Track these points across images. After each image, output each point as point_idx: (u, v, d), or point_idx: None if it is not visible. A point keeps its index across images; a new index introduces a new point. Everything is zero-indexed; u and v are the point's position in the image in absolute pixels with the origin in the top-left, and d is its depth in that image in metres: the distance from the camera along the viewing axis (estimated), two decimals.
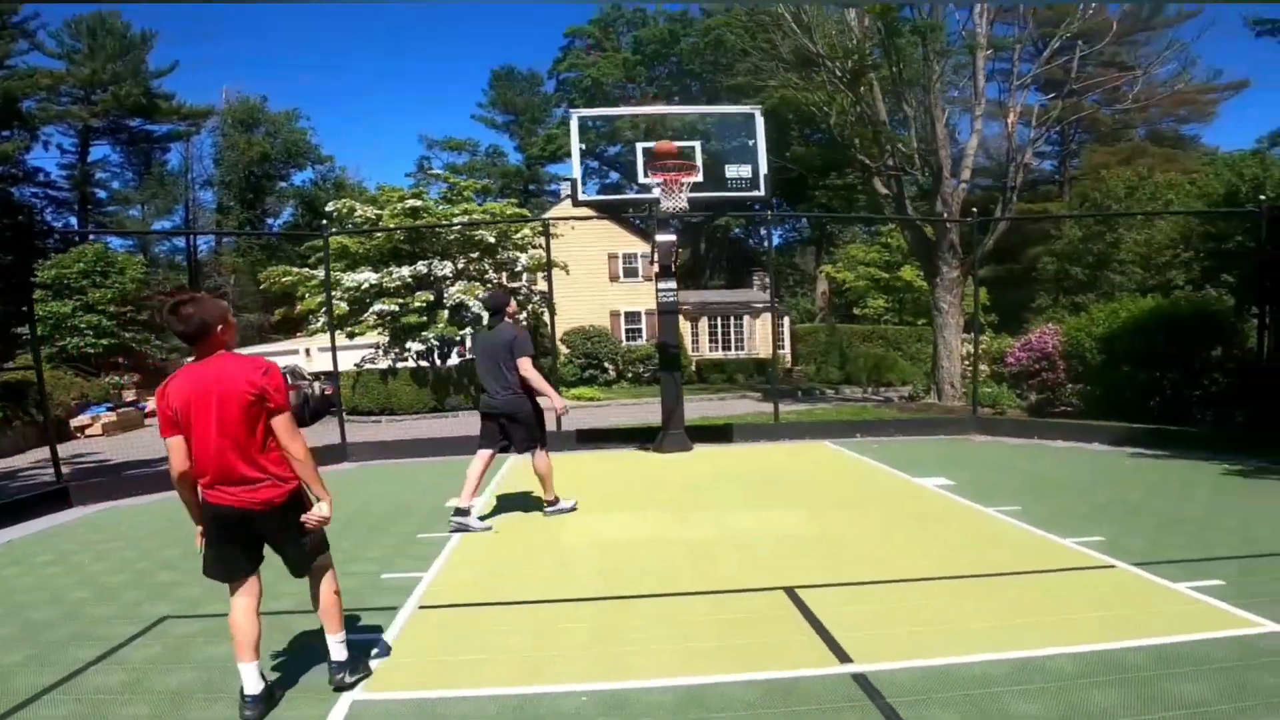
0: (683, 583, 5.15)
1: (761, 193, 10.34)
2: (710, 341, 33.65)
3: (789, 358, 32.92)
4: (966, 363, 19.94)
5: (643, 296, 32.24)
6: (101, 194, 49.10)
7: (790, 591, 4.84)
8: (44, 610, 5.13)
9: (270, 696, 3.50)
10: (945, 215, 18.08)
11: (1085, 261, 29.62)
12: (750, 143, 10.29)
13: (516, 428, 6.76)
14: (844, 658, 3.87)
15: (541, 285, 25.87)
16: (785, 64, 21.02)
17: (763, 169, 10.23)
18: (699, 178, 10.02)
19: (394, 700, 3.60)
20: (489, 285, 23.03)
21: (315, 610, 3.71)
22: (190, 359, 3.42)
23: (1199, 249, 20.61)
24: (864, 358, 29.47)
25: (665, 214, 9.98)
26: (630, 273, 32.39)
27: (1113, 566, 5.17)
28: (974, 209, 15.40)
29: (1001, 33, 19.54)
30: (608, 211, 11.77)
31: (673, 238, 10.45)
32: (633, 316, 32.45)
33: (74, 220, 45.88)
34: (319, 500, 3.50)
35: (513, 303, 7.00)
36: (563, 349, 30.03)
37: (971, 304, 15.79)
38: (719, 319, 33.87)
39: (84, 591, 5.53)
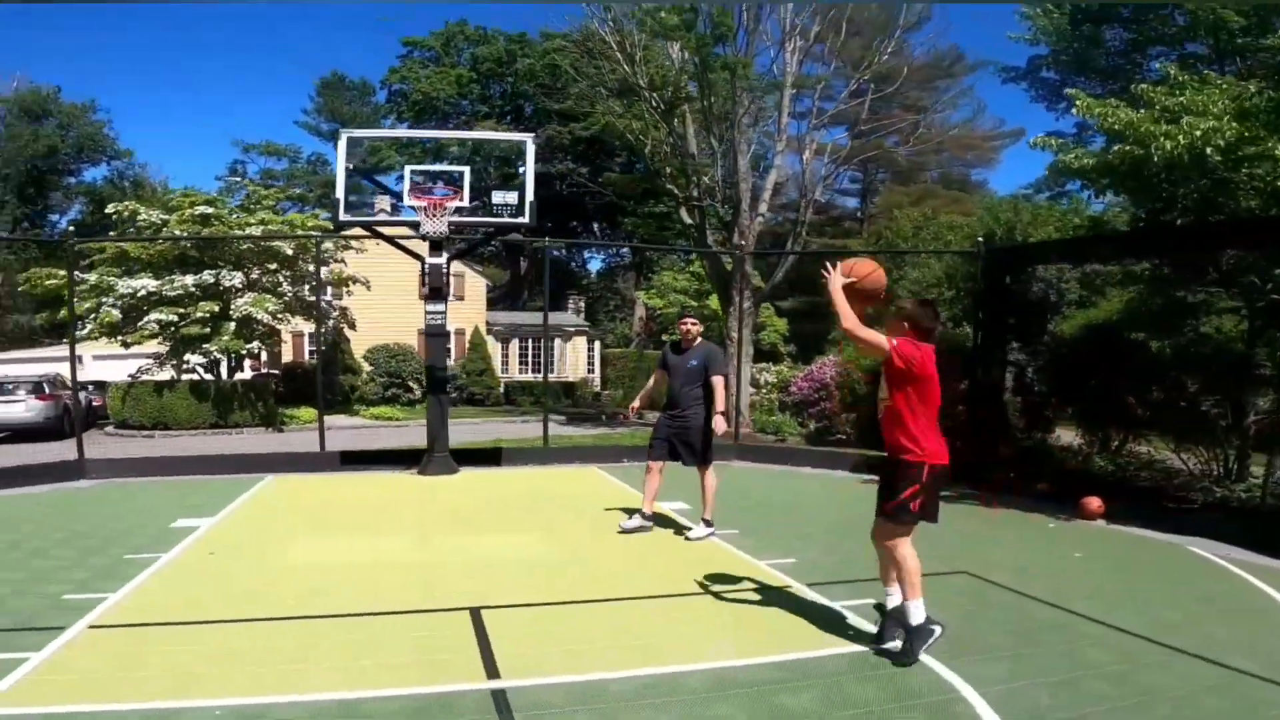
0: (381, 603, 5.17)
1: (526, 220, 10.49)
2: (520, 363, 33.67)
3: (598, 381, 33.40)
4: (756, 392, 21.02)
5: (453, 316, 31.78)
6: None
7: (474, 612, 4.97)
8: None
9: None
10: (741, 246, 18.87)
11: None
12: (520, 170, 10.46)
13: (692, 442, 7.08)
14: (493, 674, 4.02)
15: (344, 301, 25.16)
16: (610, 91, 21.52)
17: (529, 197, 10.38)
18: (463, 202, 10.10)
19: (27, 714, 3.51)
20: (283, 298, 22.13)
21: None
22: None
23: (960, 287, 22.53)
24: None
25: (430, 236, 10.00)
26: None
27: (788, 586, 5.62)
28: (767, 242, 16.24)
29: (810, 72, 20.82)
30: (370, 232, 11.60)
31: (442, 260, 10.48)
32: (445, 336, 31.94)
33: None
34: None
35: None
36: (365, 366, 29.18)
37: (766, 335, 16.67)
38: (530, 340, 33.94)
39: None
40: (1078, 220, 18.64)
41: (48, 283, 21.38)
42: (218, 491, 9.33)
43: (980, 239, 13.31)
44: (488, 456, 11.66)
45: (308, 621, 4.84)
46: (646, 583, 5.74)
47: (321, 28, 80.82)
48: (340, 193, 10.14)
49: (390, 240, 11.04)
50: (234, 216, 22.84)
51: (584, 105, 25.19)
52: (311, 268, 22.56)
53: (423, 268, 10.46)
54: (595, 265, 57.70)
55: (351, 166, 10.19)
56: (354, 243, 23.48)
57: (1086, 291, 12.25)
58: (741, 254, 15.59)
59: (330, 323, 24.60)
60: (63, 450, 11.17)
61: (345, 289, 24.51)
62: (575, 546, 6.87)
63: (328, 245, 22.85)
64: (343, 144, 10.24)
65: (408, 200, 9.98)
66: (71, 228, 19.44)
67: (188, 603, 5.20)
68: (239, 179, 47.62)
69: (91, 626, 4.67)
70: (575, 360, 35.19)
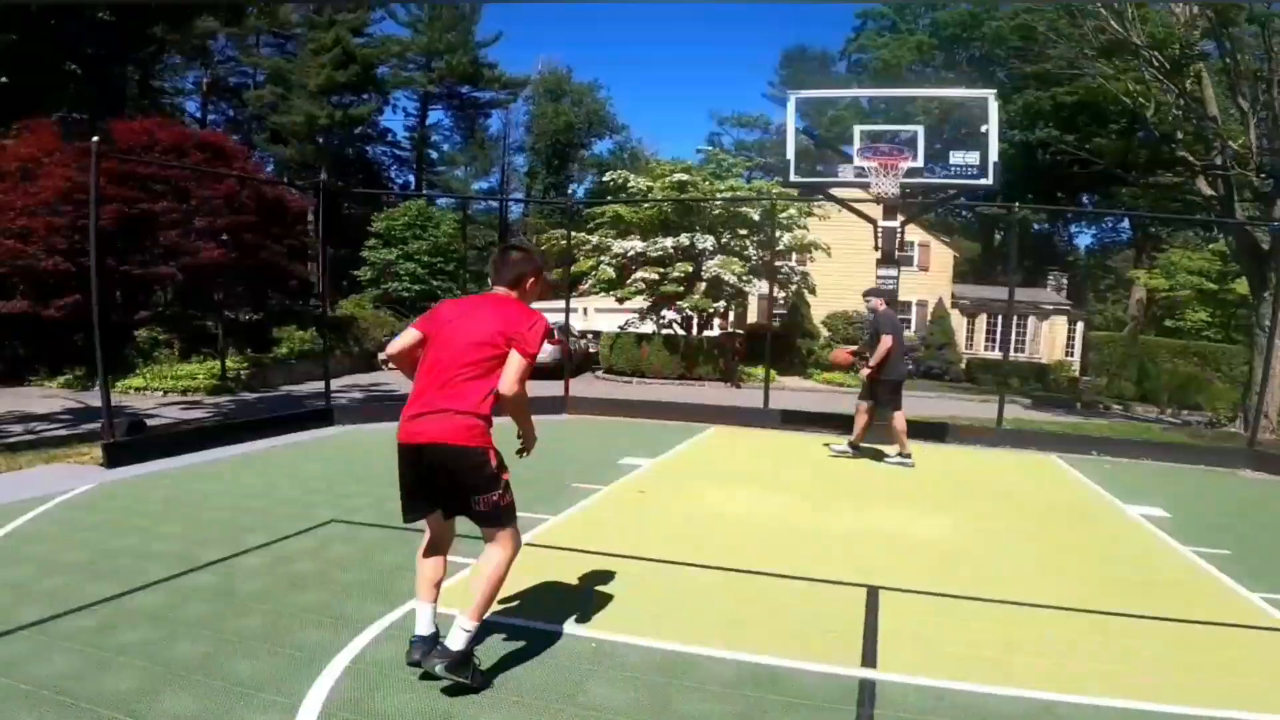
0: (775, 564, 5.02)
1: (989, 181, 9.49)
2: (986, 340, 31.34)
3: (1077, 367, 29.87)
4: None
5: (915, 287, 30.69)
6: (433, 155, 54.94)
7: (872, 590, 4.58)
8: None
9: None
10: None
11: None
12: (983, 129, 9.46)
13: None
14: (869, 663, 3.64)
15: (805, 267, 25.54)
16: (1096, 53, 18.97)
17: (993, 157, 9.39)
18: (916, 162, 9.42)
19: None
20: (748, 260, 23.13)
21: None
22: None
23: None
24: (1169, 375, 25.92)
25: (876, 198, 9.53)
26: (903, 261, 30.69)
27: None
28: None
29: None
30: (818, 193, 11.35)
31: (896, 224, 9.98)
32: (902, 307, 31.00)
33: (411, 178, 51.94)
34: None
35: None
36: (824, 331, 29.46)
37: None
38: (999, 317, 31.39)
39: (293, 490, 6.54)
40: None
41: (561, 242, 24.85)
42: (668, 435, 9.99)
43: None
44: (932, 431, 10.88)
45: (704, 571, 4.89)
46: (1074, 592, 4.76)
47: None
48: (791, 153, 10.10)
49: (841, 202, 10.77)
50: (706, 184, 24.32)
51: (1066, 68, 22.37)
52: (777, 234, 23.27)
53: (876, 231, 10.02)
54: (1084, 240, 51.69)
55: (801, 128, 10.04)
56: (816, 210, 23.74)
57: None
58: None
59: (792, 287, 25.15)
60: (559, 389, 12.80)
61: (808, 255, 24.83)
62: (998, 537, 6.04)
63: (791, 211, 23.33)
64: (791, 105, 10.21)
65: (857, 160, 9.58)
66: (575, 192, 22.54)
67: (608, 536, 5.58)
68: (716, 152, 51.05)
69: (528, 544, 5.02)
70: (1052, 341, 31.86)
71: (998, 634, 4.07)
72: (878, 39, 47.92)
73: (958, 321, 30.10)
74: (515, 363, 3.19)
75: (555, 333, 23.14)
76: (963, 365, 28.39)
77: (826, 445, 9.60)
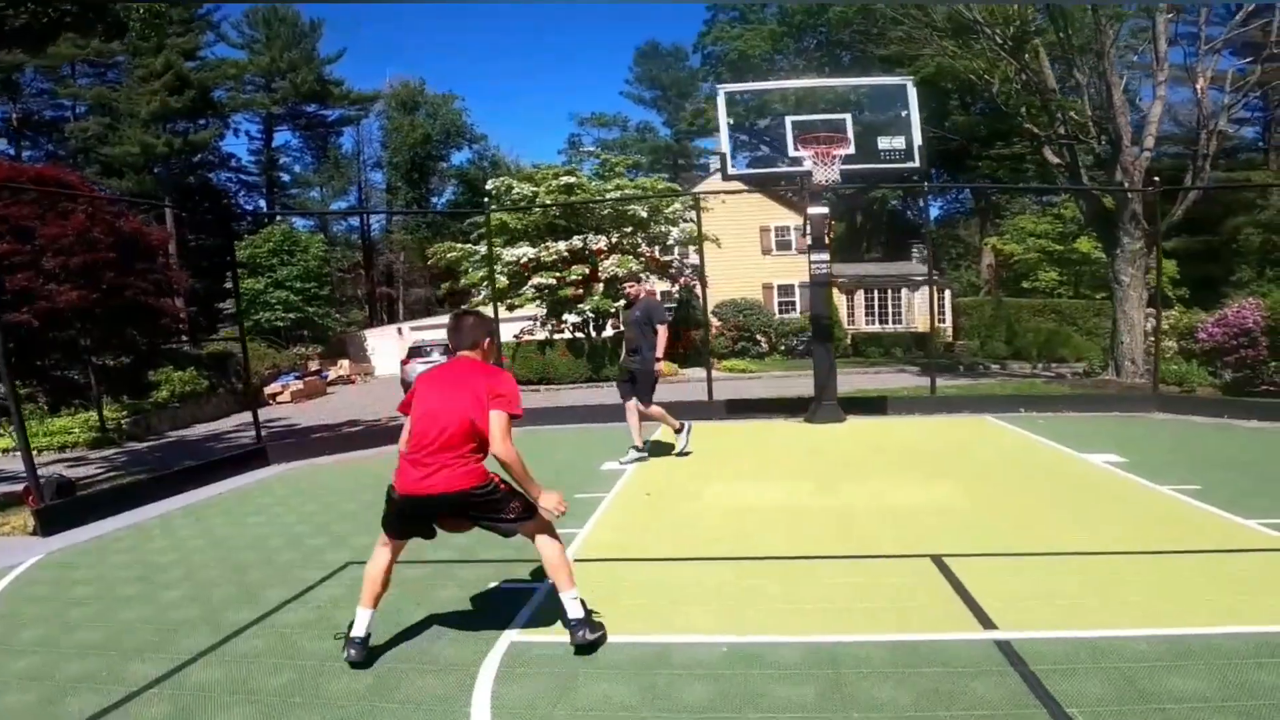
0: (823, 547, 5.14)
1: (916, 164, 10.01)
2: (866, 315, 32.75)
3: (950, 332, 31.65)
4: (1150, 338, 18.63)
5: (796, 269, 31.67)
6: (285, 177, 52.83)
7: (937, 560, 4.76)
8: (245, 554, 5.79)
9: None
10: (1125, 185, 16.87)
11: None
12: (903, 114, 9.94)
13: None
14: (988, 624, 3.79)
15: (693, 259, 25.99)
16: (940, 32, 20.08)
17: (916, 140, 9.89)
18: (850, 150, 9.80)
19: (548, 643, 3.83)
20: (642, 259, 23.36)
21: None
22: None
23: None
24: (1034, 332, 27.91)
25: (817, 187, 9.83)
26: (783, 245, 31.85)
27: None
28: (1156, 178, 14.34)
29: None
30: (757, 184, 11.66)
31: (825, 210, 10.28)
32: (786, 289, 32.01)
33: (263, 203, 49.59)
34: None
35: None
36: (714, 321, 30.07)
37: (1150, 278, 14.70)
38: (875, 292, 32.88)
39: (278, 540, 6.17)
40: None
41: (449, 255, 24.35)
42: (622, 438, 9.96)
43: None
44: (872, 405, 11.38)
45: (761, 563, 4.93)
46: (1102, 536, 5.12)
47: None
48: (725, 147, 10.23)
49: (772, 191, 11.02)
50: (593, 184, 24.39)
51: (911, 49, 23.69)
52: (663, 229, 23.59)
53: (805, 218, 10.32)
54: (934, 213, 54.71)
55: (732, 121, 10.23)
56: (703, 201, 24.18)
57: None
58: (1155, 191, 13.73)
59: (683, 280, 25.57)
60: None
61: (693, 247, 25.29)
62: (1000, 498, 6.37)
63: (676, 205, 23.72)
64: (721, 99, 10.35)
65: (796, 150, 9.83)
66: (485, 199, 22.12)
67: (645, 540, 5.58)
68: (579, 152, 51.27)
69: (575, 560, 4.97)
70: (924, 310, 33.57)
71: (1061, 583, 4.33)
72: (730, 31, 49.11)
73: (839, 299, 31.28)
74: (498, 421, 3.59)
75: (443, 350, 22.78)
76: (848, 341, 29.56)
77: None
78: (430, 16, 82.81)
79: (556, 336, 24.30)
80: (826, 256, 10.47)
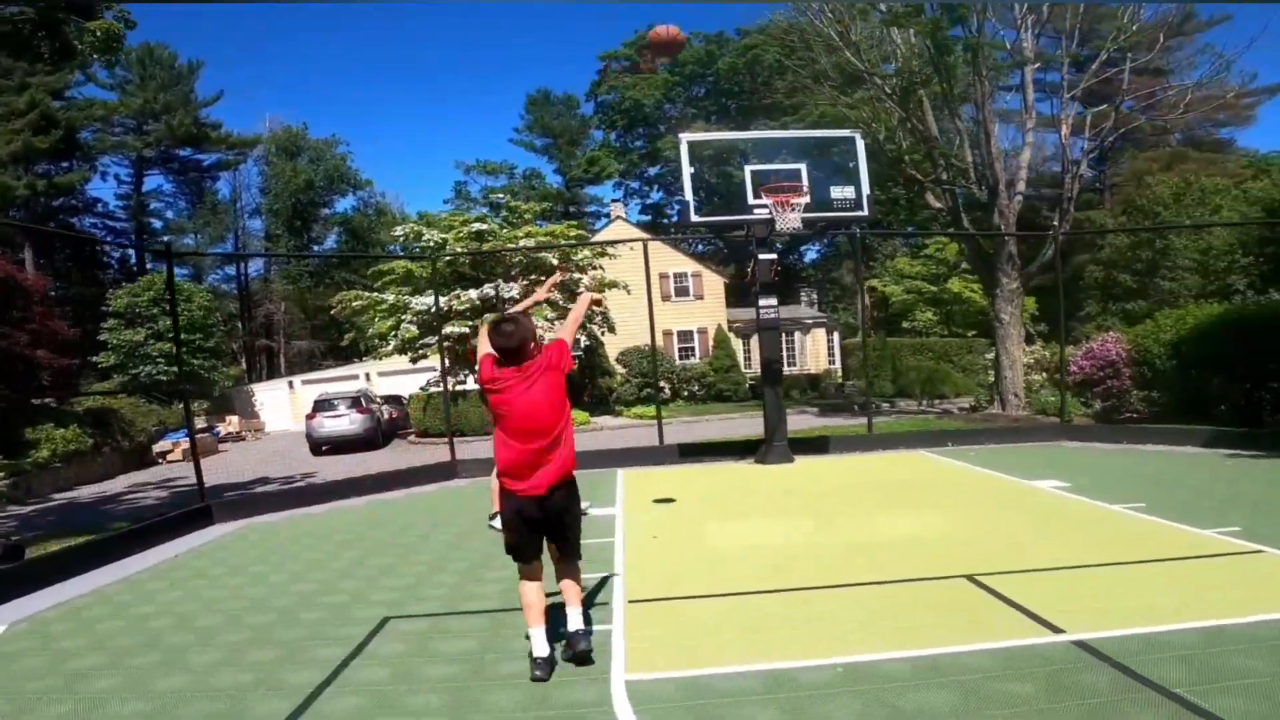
0: (859, 575, 5.52)
1: (865, 213, 10.81)
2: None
3: (840, 372, 33.19)
4: (1029, 373, 20.23)
5: (694, 315, 32.65)
6: (156, 224, 50.47)
7: (972, 578, 5.23)
8: (255, 616, 5.71)
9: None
10: (1002, 228, 18.36)
11: (1134, 268, 29.76)
12: (851, 165, 10.76)
13: None
14: (1055, 629, 4.25)
15: (600, 306, 26.39)
16: (830, 81, 21.19)
17: (865, 189, 10.70)
18: (808, 199, 10.48)
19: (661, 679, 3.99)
20: (555, 305, 23.57)
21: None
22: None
23: (1257, 253, 20.79)
24: (916, 371, 29.64)
25: (777, 233, 10.48)
26: (681, 292, 32.81)
27: (1260, 551, 5.53)
28: (1018, 221, 15.77)
29: (1044, 45, 19.80)
30: (717, 231, 12.18)
31: (773, 256, 10.92)
32: (685, 335, 32.88)
33: (131, 251, 47.17)
34: None
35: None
36: (619, 369, 30.48)
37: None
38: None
39: (285, 599, 6.08)
40: None
41: (354, 304, 23.87)
42: (593, 484, 10.08)
43: None
44: (815, 445, 12.08)
45: (810, 593, 5.25)
46: (1086, 552, 5.70)
47: (524, 43, 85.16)
48: (689, 195, 10.65)
49: (727, 236, 11.56)
50: (505, 231, 24.54)
51: (795, 98, 25.10)
52: (575, 275, 23.96)
53: (751, 264, 10.92)
54: (810, 256, 57.27)
55: (694, 170, 10.72)
56: (610, 250, 24.73)
57: None
58: (1058, 234, 15.18)
59: (592, 327, 25.92)
60: (391, 459, 12.24)
61: (604, 294, 25.73)
62: (982, 523, 6.98)
63: (585, 253, 24.16)
64: (684, 148, 10.83)
65: (756, 198, 10.44)
66: (391, 244, 21.88)
67: (683, 579, 5.81)
68: (466, 200, 51.18)
69: (631, 601, 5.24)
70: (816, 352, 35.12)
71: (1079, 592, 4.88)
72: (624, 79, 50.42)
73: (736, 344, 32.34)
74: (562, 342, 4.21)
75: (363, 401, 22.22)
76: (747, 386, 30.56)
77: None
78: (314, 60, 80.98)
79: (461, 388, 24.06)
80: (774, 301, 11.10)
